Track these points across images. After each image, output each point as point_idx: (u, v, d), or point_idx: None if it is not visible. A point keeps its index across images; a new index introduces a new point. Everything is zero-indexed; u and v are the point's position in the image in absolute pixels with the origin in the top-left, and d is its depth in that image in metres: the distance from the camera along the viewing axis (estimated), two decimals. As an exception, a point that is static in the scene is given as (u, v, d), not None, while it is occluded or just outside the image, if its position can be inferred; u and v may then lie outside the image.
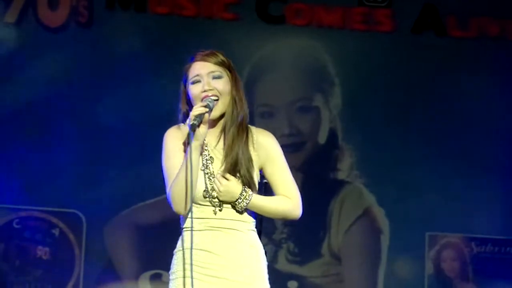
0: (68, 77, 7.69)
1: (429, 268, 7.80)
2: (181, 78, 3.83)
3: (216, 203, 3.67)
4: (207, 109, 3.60)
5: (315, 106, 7.93)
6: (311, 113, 7.93)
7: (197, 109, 3.59)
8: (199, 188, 3.63)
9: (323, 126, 7.93)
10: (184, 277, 3.64)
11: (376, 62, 7.94)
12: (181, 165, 3.65)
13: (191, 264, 3.61)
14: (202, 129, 3.59)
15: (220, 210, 3.65)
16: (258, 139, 3.72)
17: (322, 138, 7.94)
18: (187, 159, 3.62)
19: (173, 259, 3.72)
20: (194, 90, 3.70)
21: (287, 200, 3.74)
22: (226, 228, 3.64)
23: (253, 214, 3.69)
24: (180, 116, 3.83)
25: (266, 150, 3.72)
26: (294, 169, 6.86)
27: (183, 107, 3.80)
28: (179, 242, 3.71)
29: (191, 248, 3.61)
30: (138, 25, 7.81)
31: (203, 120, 3.62)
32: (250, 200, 3.64)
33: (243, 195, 3.63)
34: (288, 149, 7.58)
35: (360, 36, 7.96)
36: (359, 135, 7.93)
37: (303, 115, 7.92)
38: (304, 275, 7.77)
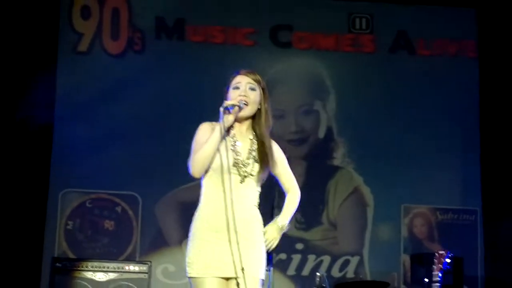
0: (131, 89, 8.13)
1: (404, 232, 8.35)
2: (224, 85, 4.15)
3: (242, 173, 3.97)
4: (236, 105, 3.94)
5: (315, 109, 8.54)
6: (312, 115, 8.53)
7: (229, 102, 3.99)
8: (229, 160, 3.91)
9: (321, 125, 8.51)
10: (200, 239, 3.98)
11: (362, 75, 8.55)
12: (207, 140, 3.95)
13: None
14: (230, 117, 3.95)
15: (243, 181, 3.97)
16: (273, 147, 4.13)
17: (321, 134, 8.53)
18: (214, 135, 3.92)
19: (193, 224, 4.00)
20: (233, 94, 4.05)
21: (295, 198, 4.16)
22: (240, 202, 3.97)
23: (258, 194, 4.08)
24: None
25: (277, 153, 4.15)
26: (300, 158, 8.24)
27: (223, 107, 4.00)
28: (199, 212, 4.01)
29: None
30: (179, 50, 8.40)
31: (235, 114, 3.95)
32: (287, 228, 4.11)
33: (282, 229, 4.10)
34: (295, 143, 8.40)
35: (349, 56, 8.60)
36: (350, 132, 8.52)
37: (306, 117, 8.52)
38: (308, 239, 8.29)
